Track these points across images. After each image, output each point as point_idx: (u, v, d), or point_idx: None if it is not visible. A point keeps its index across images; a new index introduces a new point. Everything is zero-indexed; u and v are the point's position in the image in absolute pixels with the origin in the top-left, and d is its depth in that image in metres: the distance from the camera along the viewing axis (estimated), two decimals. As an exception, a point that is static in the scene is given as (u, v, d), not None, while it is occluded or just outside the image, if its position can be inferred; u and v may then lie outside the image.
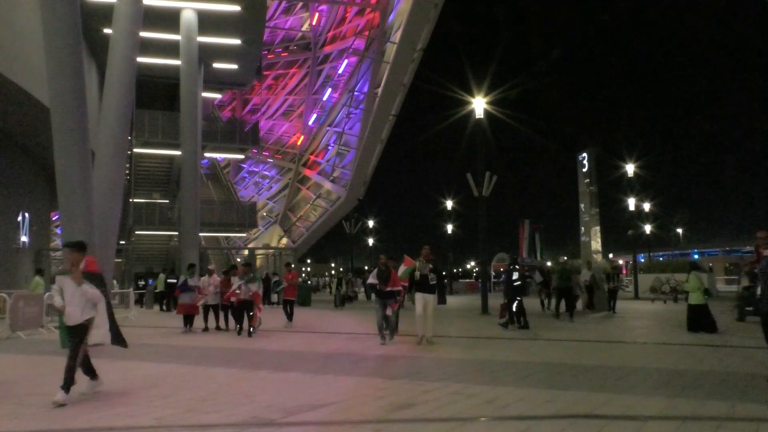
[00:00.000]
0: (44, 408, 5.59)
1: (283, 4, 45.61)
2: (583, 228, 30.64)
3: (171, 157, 31.86)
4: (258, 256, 44.80)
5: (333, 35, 44.92)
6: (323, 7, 44.03)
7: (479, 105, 19.17)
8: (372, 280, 10.81)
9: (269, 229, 53.11)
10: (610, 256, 46.94)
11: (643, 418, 4.91)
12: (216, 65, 28.93)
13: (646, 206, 43.00)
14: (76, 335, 6.02)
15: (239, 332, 12.22)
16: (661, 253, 64.56)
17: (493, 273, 25.40)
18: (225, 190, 39.62)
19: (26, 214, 24.88)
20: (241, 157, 42.87)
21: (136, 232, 30.91)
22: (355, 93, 40.50)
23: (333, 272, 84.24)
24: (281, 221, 50.97)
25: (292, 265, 17.15)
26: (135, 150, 30.25)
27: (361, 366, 8.07)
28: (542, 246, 50.02)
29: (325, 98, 46.93)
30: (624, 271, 37.81)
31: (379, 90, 34.69)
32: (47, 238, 31.37)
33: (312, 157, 48.06)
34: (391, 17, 35.63)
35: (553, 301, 17.82)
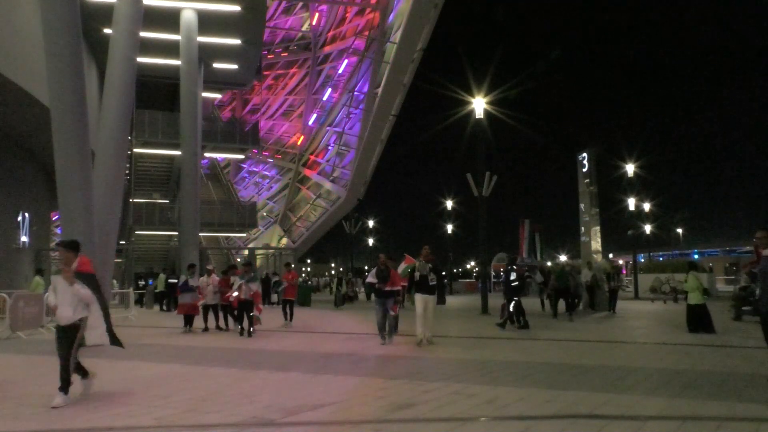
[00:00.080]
0: (44, 408, 5.59)
1: (283, 4, 45.60)
2: (583, 228, 30.61)
3: (171, 157, 31.86)
4: (258, 256, 44.80)
5: (333, 35, 44.92)
6: (323, 7, 44.04)
7: (479, 105, 19.17)
8: (371, 279, 10.81)
9: (269, 229, 53.11)
10: (610, 256, 46.94)
11: (643, 418, 4.91)
12: (216, 65, 28.92)
13: (646, 206, 43.01)
14: (68, 335, 5.91)
15: (241, 333, 12.21)
16: (661, 253, 64.59)
17: (493, 273, 25.38)
18: (225, 190, 39.62)
19: (26, 214, 24.87)
20: (241, 157, 42.86)
21: (136, 232, 30.90)
22: (355, 93, 40.51)
23: (333, 272, 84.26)
24: (281, 221, 50.98)
25: (292, 266, 17.15)
26: (135, 150, 30.25)
27: (361, 366, 8.07)
28: (542, 246, 50.02)
29: (325, 98, 46.93)
30: (624, 272, 37.80)
31: (379, 90, 34.69)
32: (47, 238, 31.35)
33: (312, 157, 48.07)
34: (391, 17, 35.64)
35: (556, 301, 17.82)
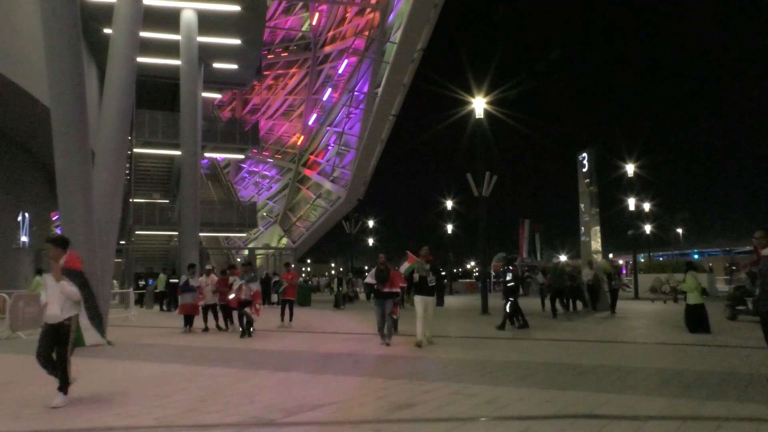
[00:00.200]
0: (44, 408, 5.59)
1: (283, 4, 45.60)
2: (583, 228, 30.60)
3: (171, 157, 31.85)
4: (258, 256, 44.80)
5: (333, 35, 44.92)
6: (323, 7, 44.03)
7: (479, 105, 19.17)
8: (370, 280, 10.69)
9: (269, 229, 53.10)
10: (610, 256, 46.93)
11: (643, 418, 4.91)
12: (216, 65, 28.91)
13: (646, 206, 43.01)
14: (59, 336, 5.77)
15: (242, 334, 12.18)
16: (661, 253, 64.60)
17: (493, 273, 25.38)
18: (225, 190, 39.60)
19: (26, 214, 24.88)
20: (241, 157, 42.85)
21: (136, 232, 30.90)
22: (355, 93, 40.49)
23: (333, 272, 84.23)
24: (281, 221, 50.97)
25: (292, 266, 17.16)
26: (135, 150, 30.24)
27: (361, 366, 8.07)
28: (542, 246, 50.01)
29: (325, 98, 46.93)
30: (624, 272, 37.79)
31: (379, 90, 34.68)
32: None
33: (312, 157, 48.06)
34: (391, 17, 35.63)
35: (566, 302, 17.83)
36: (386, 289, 10.28)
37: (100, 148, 12.79)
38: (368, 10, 39.60)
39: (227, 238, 49.34)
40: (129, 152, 26.96)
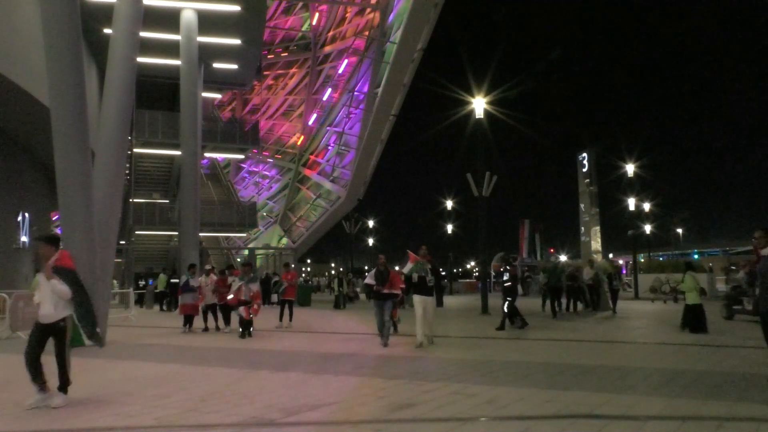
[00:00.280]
0: (44, 408, 5.59)
1: (283, 4, 45.59)
2: (583, 228, 30.57)
3: (171, 157, 31.84)
4: (258, 256, 44.79)
5: (333, 35, 44.91)
6: (323, 7, 44.02)
7: (479, 105, 19.17)
8: (369, 280, 10.58)
9: (269, 229, 53.09)
10: (611, 256, 46.94)
11: (643, 418, 4.91)
12: (216, 65, 28.90)
13: (646, 206, 43.00)
14: (54, 335, 5.69)
15: (242, 335, 12.15)
16: (661, 253, 64.57)
17: (493, 273, 25.42)
18: (225, 190, 39.59)
19: (26, 214, 24.87)
20: (241, 157, 42.82)
21: (136, 232, 30.89)
22: (355, 93, 40.48)
23: (333, 272, 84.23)
24: (281, 221, 50.96)
25: (292, 266, 17.15)
26: (135, 150, 30.23)
27: (361, 366, 8.07)
28: (542, 246, 50.05)
29: (325, 98, 46.92)
30: (624, 271, 37.78)
31: (379, 90, 34.67)
32: (47, 238, 31.28)
33: (312, 157, 48.05)
34: (391, 17, 35.61)
35: (562, 302, 17.83)
36: (386, 290, 10.19)
37: (100, 148, 12.78)
38: (368, 10, 39.59)
39: (227, 238, 49.35)
40: (129, 152, 26.95)
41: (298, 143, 50.32)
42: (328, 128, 45.62)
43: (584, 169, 30.00)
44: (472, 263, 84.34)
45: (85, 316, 5.96)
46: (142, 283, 26.94)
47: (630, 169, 30.19)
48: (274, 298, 22.51)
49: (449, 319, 16.85)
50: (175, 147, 28.11)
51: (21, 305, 12.48)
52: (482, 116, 19.21)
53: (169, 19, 23.94)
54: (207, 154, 35.44)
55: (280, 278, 19.09)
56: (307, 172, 48.36)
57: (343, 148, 42.34)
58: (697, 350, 9.25)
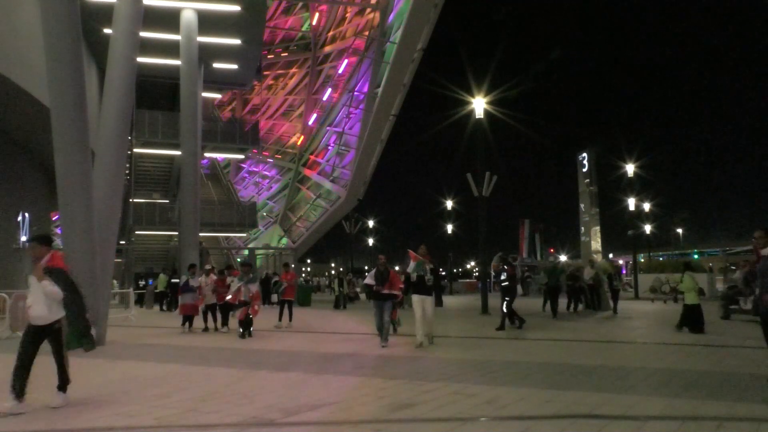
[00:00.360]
0: (44, 408, 5.59)
1: (283, 4, 45.58)
2: (583, 228, 30.64)
3: (171, 157, 31.84)
4: (258, 256, 44.78)
5: (333, 35, 44.91)
6: (323, 7, 44.02)
7: (479, 105, 19.17)
8: (369, 280, 10.51)
9: (269, 229, 53.09)
10: (611, 256, 46.99)
11: (643, 418, 4.91)
12: (216, 65, 28.90)
13: (646, 206, 43.03)
14: (50, 336, 5.60)
15: (242, 335, 12.13)
16: (661, 253, 64.60)
17: (492, 273, 25.45)
18: (225, 190, 39.58)
19: (26, 214, 24.87)
20: (241, 157, 42.81)
21: (136, 232, 30.89)
22: (355, 93, 40.47)
23: (333, 272, 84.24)
24: (281, 221, 50.95)
25: (292, 266, 17.14)
26: (135, 150, 30.23)
27: (361, 366, 8.06)
28: (542, 246, 50.08)
29: (325, 98, 46.92)
30: (624, 271, 37.82)
31: (379, 90, 34.66)
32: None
33: (312, 157, 48.04)
34: (391, 17, 35.60)
35: (565, 302, 17.83)
36: (385, 291, 10.13)
37: (100, 148, 12.78)
38: (368, 10, 39.58)
39: (227, 238, 49.33)
40: (129, 152, 26.95)
41: (298, 143, 50.32)
42: (328, 128, 45.61)
43: (584, 169, 30.06)
44: (472, 263, 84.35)
45: (78, 318, 5.85)
46: (142, 283, 26.93)
47: (630, 169, 30.20)
48: (274, 298, 22.51)
49: (449, 319, 16.85)
50: (175, 147, 28.11)
51: (21, 305, 12.46)
52: (482, 116, 19.21)
53: (169, 19, 23.94)
54: (207, 154, 35.44)
55: (279, 278, 19.08)
56: (307, 172, 48.35)
57: (343, 148, 42.33)
58: (697, 350, 9.25)
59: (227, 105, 54.84)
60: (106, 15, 16.78)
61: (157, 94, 31.54)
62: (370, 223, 48.31)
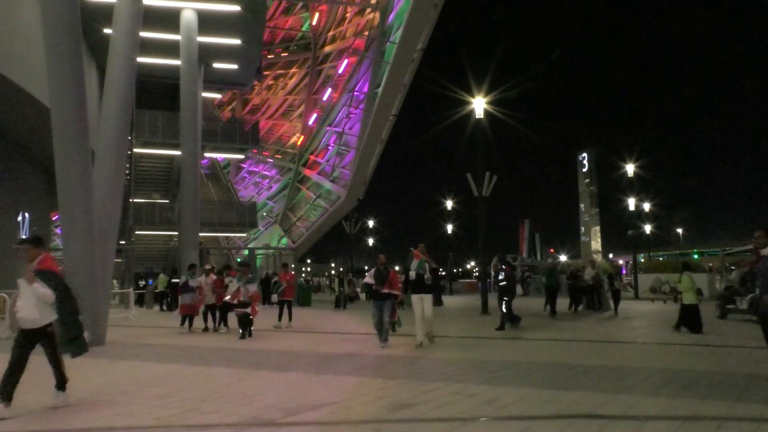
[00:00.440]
0: (44, 408, 5.59)
1: (283, 4, 45.58)
2: (583, 228, 30.66)
3: (171, 157, 31.84)
4: (258, 256, 44.76)
5: (333, 35, 44.91)
6: (323, 7, 44.03)
7: (479, 105, 19.17)
8: (368, 279, 10.48)
9: (269, 229, 53.09)
10: (611, 256, 46.96)
11: (643, 418, 4.91)
12: (216, 65, 28.90)
13: (646, 206, 43.03)
14: (43, 340, 5.50)
15: (242, 336, 12.12)
16: (661, 253, 64.60)
17: (492, 273, 25.47)
18: (225, 190, 39.59)
19: (26, 214, 24.86)
20: (241, 157, 42.80)
21: (136, 232, 30.89)
22: (355, 93, 40.47)
23: (333, 272, 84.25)
24: (281, 221, 50.96)
25: (292, 265, 17.13)
26: (135, 150, 30.22)
27: (361, 366, 8.07)
28: (542, 246, 50.10)
29: (325, 98, 46.92)
30: (624, 271, 37.79)
31: (379, 90, 34.66)
32: (47, 238, 31.34)
33: (312, 157, 48.05)
34: (391, 17, 35.61)
35: (565, 302, 17.82)
36: (385, 290, 10.11)
37: (100, 148, 12.78)
38: (368, 10, 39.58)
39: (227, 238, 49.33)
40: (129, 152, 26.95)
41: (298, 143, 50.32)
42: (328, 128, 45.61)
43: (584, 169, 30.09)
44: (472, 263, 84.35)
45: (70, 321, 5.72)
46: (142, 283, 26.92)
47: (630, 169, 30.20)
48: (275, 298, 22.49)
49: (449, 319, 16.85)
50: (175, 147, 28.11)
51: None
52: (482, 116, 19.21)
53: (169, 19, 23.94)
54: (207, 154, 35.44)
55: (278, 278, 19.06)
56: (307, 172, 48.36)
57: (343, 148, 42.33)
58: (697, 350, 9.25)
59: (227, 105, 54.85)
60: (106, 15, 16.78)
61: (157, 94, 31.53)
62: (370, 223, 48.31)
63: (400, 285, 10.43)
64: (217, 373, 7.64)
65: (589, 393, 5.87)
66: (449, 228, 43.38)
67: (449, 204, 41.88)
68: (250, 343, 11.14)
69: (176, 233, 29.88)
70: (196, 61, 25.44)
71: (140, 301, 24.59)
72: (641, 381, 6.67)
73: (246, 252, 46.23)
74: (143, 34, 15.20)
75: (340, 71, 44.79)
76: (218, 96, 42.35)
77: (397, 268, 11.85)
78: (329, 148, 45.46)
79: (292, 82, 50.71)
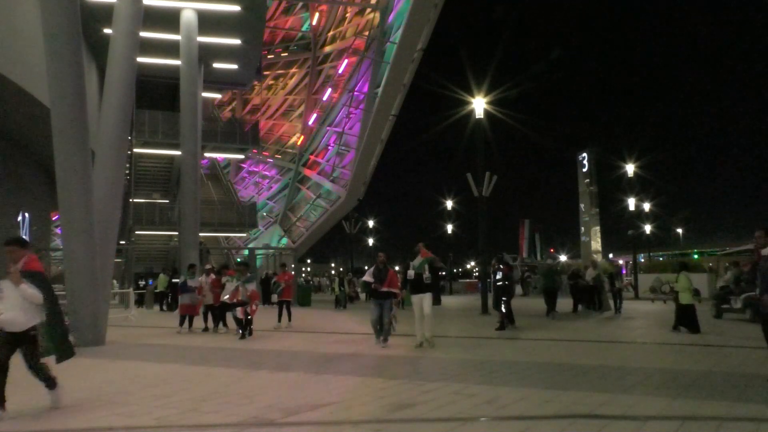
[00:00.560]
0: (44, 408, 5.59)
1: (283, 4, 45.58)
2: (583, 228, 30.64)
3: (171, 157, 31.85)
4: (258, 256, 44.75)
5: (333, 35, 44.91)
6: (323, 7, 44.02)
7: (479, 105, 19.16)
8: (368, 278, 10.45)
9: (269, 229, 53.09)
10: (611, 256, 46.95)
11: (643, 418, 4.91)
12: (216, 65, 28.90)
13: (646, 206, 43.03)
14: (25, 343, 5.33)
15: (242, 336, 12.11)
16: (661, 253, 64.61)
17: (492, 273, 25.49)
18: (225, 190, 39.59)
19: (26, 214, 24.87)
20: (241, 157, 42.80)
21: (136, 232, 30.89)
22: (355, 93, 40.47)
23: (333, 272, 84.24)
24: (281, 221, 50.95)
25: (292, 265, 17.13)
26: (135, 150, 30.23)
27: (361, 366, 8.07)
28: (542, 246, 50.10)
29: (325, 98, 46.92)
30: (624, 271, 37.78)
31: (379, 90, 34.66)
32: (47, 238, 31.34)
33: (312, 157, 48.05)
34: (391, 17, 35.60)
35: (568, 303, 17.77)
36: (384, 289, 10.08)
37: (100, 148, 12.78)
38: (368, 10, 39.58)
39: (227, 238, 49.34)
40: (129, 152, 26.95)
41: (298, 143, 50.32)
42: (328, 128, 45.62)
43: (584, 169, 30.05)
44: (472, 263, 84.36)
45: (56, 322, 5.60)
46: (142, 283, 26.91)
47: (630, 169, 30.20)
48: (275, 298, 22.48)
49: (449, 319, 16.84)
50: (175, 147, 28.12)
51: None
52: (482, 116, 19.21)
53: (169, 19, 23.94)
54: (207, 154, 35.45)
55: (276, 279, 19.06)
56: (307, 172, 48.36)
57: (343, 148, 42.33)
58: (697, 350, 9.25)
59: (227, 105, 54.85)
60: (106, 15, 16.80)
61: (157, 94, 31.54)
62: (370, 223, 48.34)
63: (399, 284, 10.43)
64: (217, 373, 7.64)
65: (589, 393, 5.87)
66: (449, 228, 43.40)
67: (449, 204, 41.90)
68: (250, 343, 11.13)
69: (176, 233, 29.89)
70: (196, 61, 25.44)
71: (140, 301, 24.59)
72: (641, 381, 6.66)
73: (246, 252, 46.23)
74: (143, 34, 15.20)
75: (340, 71, 44.79)
76: (218, 96, 42.35)
77: (397, 268, 11.85)
78: (329, 148, 45.46)
79: (292, 82, 50.71)
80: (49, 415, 5.37)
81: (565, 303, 18.82)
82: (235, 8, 24.12)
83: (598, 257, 27.59)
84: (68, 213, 11.35)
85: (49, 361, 5.62)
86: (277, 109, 53.07)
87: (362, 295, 31.33)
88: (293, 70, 49.77)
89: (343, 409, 5.42)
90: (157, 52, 25.64)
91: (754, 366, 7.50)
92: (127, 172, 28.67)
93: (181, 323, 13.85)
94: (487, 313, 17.96)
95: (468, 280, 54.93)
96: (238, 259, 40.75)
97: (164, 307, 22.67)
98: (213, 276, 14.10)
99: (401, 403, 5.57)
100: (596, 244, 29.05)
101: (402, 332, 11.75)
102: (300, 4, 44.98)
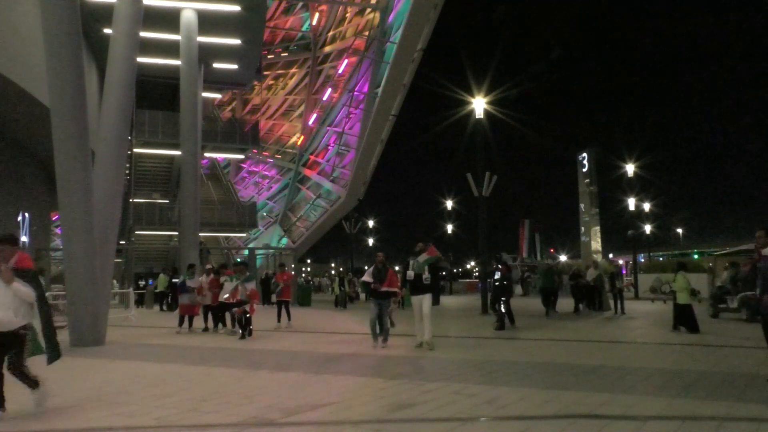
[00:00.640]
0: (43, 408, 5.58)
1: (283, 4, 45.58)
2: (583, 228, 30.60)
3: (171, 157, 31.85)
4: (258, 256, 44.76)
5: (333, 35, 44.91)
6: (323, 7, 44.02)
7: (479, 105, 19.17)
8: (367, 277, 10.43)
9: (269, 229, 53.09)
10: (611, 256, 46.97)
11: (643, 418, 4.91)
12: (216, 65, 28.91)
13: (646, 206, 43.02)
14: (13, 342, 5.17)
15: (242, 336, 12.10)
16: (661, 253, 64.61)
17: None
18: (225, 190, 39.58)
19: (26, 214, 24.87)
20: (241, 157, 42.79)
21: (136, 232, 30.88)
22: (355, 93, 40.46)
23: (333, 272, 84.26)
24: (281, 221, 50.95)
25: (292, 265, 17.13)
26: (135, 150, 30.23)
27: (361, 366, 8.07)
28: (542, 246, 50.10)
29: (325, 98, 46.92)
30: (624, 271, 37.77)
31: (379, 90, 34.65)
32: (47, 238, 31.35)
33: (312, 157, 48.05)
34: (391, 17, 35.60)
35: (569, 303, 17.76)
36: (384, 288, 10.05)
37: (100, 148, 12.78)
38: (368, 10, 39.58)
39: (227, 238, 49.34)
40: (129, 152, 26.96)
41: (298, 143, 50.32)
42: (328, 128, 45.62)
43: (584, 169, 30.00)
44: (472, 263, 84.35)
45: (46, 320, 5.49)
46: (142, 283, 26.92)
47: (630, 169, 30.19)
48: (275, 298, 22.48)
49: (449, 319, 16.84)
50: (175, 147, 28.12)
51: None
52: (482, 116, 19.21)
53: (169, 19, 23.95)
54: (207, 154, 35.45)
55: (275, 279, 19.06)
56: (307, 172, 48.36)
57: (343, 148, 42.32)
58: (697, 350, 9.25)
59: (227, 105, 54.85)
60: (106, 15, 16.80)
61: (157, 94, 31.54)
62: (370, 223, 48.33)
63: (398, 283, 10.43)
64: (217, 373, 7.64)
65: (589, 393, 5.87)
66: (449, 228, 43.40)
67: (449, 204, 41.90)
68: (250, 343, 11.13)
69: (176, 233, 29.87)
70: (196, 61, 25.44)
71: (140, 301, 24.58)
72: (641, 381, 6.66)
73: (246, 252, 46.24)
74: (143, 34, 15.20)
75: (340, 71, 44.79)
76: (218, 96, 42.34)
77: (397, 268, 11.85)
78: (329, 148, 45.46)
79: (292, 82, 50.71)
80: (49, 415, 5.37)
81: (565, 303, 18.83)
82: (235, 8, 24.13)
83: (599, 257, 27.54)
84: (68, 213, 11.34)
85: (35, 361, 5.49)
86: (277, 109, 53.07)
87: (362, 295, 31.32)
88: (293, 70, 49.77)
89: (343, 409, 5.42)
90: (157, 52, 25.65)
91: (753, 366, 7.50)
92: (127, 172, 28.68)
93: (181, 323, 13.85)
94: (487, 313, 17.95)
95: (468, 280, 54.95)
96: (238, 259, 40.78)
97: (164, 307, 22.67)
98: (213, 275, 14.09)
99: (401, 403, 5.57)
100: (596, 244, 29.00)
101: (402, 332, 11.76)
102: (300, 4, 44.99)
